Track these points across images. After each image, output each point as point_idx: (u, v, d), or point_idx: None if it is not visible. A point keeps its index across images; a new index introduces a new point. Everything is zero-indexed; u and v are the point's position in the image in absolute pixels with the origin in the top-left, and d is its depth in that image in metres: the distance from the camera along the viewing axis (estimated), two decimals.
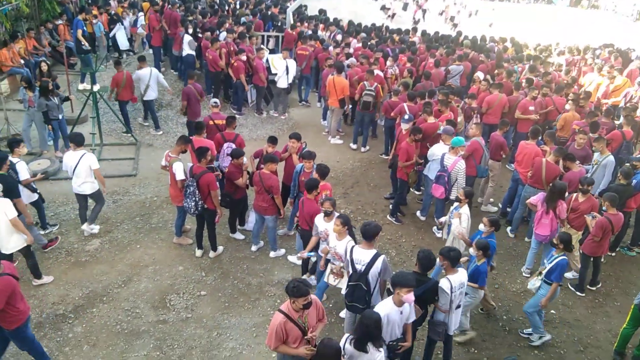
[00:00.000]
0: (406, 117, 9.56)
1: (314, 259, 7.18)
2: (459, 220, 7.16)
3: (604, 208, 7.59)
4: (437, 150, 8.79)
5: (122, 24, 16.20)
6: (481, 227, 6.75)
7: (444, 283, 5.62)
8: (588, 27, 25.00)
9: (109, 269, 7.58)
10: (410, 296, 4.96)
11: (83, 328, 6.49)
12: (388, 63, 13.24)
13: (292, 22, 16.60)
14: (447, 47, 15.07)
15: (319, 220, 6.66)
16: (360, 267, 5.72)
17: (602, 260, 8.16)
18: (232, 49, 13.30)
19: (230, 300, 7.15)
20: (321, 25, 17.25)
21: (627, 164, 8.80)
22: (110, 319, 6.66)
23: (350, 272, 5.84)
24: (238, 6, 19.54)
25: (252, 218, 8.52)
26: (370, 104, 11.51)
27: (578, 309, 7.60)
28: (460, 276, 5.71)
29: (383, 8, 27.65)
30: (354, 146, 12.20)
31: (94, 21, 15.42)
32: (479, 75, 12.78)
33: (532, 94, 11.14)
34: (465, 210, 7.21)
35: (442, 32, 19.51)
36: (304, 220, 7.07)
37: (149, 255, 7.96)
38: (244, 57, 12.84)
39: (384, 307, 5.05)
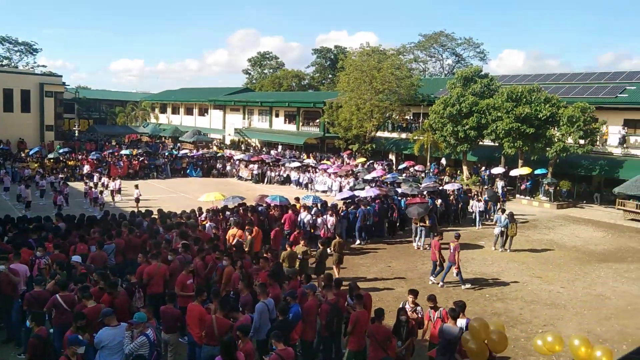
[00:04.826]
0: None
1: None
2: None
3: (274, 347, 8.26)
4: (105, 336, 8.16)
5: None
6: None
7: None
8: (217, 190, 28.56)
9: None
10: None
11: None
12: (38, 253, 12.13)
13: None
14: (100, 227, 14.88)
15: None
16: None
17: None
18: None
19: None
20: None
21: (283, 302, 9.94)
22: None
23: None
24: None
25: None
26: None
27: None
28: None
29: (19, 198, 25.45)
30: None
31: None
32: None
33: (188, 268, 11.26)
34: None
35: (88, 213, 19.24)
36: None
37: None
38: None
39: None
